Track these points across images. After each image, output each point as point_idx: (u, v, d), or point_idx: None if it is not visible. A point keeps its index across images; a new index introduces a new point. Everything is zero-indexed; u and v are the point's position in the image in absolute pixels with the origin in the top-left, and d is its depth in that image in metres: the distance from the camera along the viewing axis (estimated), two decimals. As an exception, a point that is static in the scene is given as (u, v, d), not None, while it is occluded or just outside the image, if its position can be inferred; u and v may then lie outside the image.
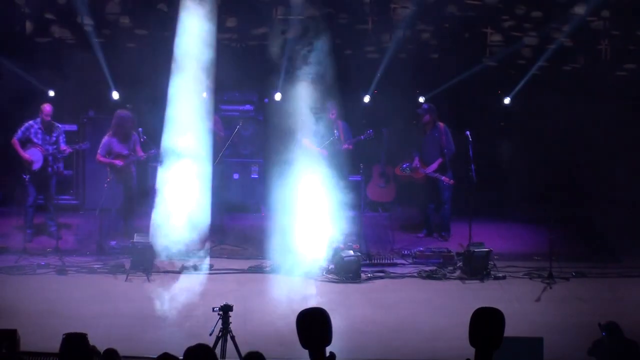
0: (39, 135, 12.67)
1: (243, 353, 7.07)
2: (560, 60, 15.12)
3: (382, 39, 15.02)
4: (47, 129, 12.69)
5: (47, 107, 12.67)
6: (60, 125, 12.88)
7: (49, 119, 12.65)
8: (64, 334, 5.98)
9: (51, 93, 14.04)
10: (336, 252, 11.86)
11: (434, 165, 13.26)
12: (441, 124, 13.38)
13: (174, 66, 11.81)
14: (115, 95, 14.01)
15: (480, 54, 15.15)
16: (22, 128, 12.67)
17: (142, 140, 12.66)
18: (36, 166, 12.60)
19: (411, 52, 15.20)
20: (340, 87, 14.24)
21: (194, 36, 11.80)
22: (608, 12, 14.84)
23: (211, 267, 11.89)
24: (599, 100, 14.21)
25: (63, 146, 12.75)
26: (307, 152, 12.87)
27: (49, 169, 12.67)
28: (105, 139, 12.69)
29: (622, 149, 14.46)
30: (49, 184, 12.79)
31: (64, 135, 12.89)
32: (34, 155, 12.61)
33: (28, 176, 12.44)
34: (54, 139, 12.73)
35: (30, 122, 12.70)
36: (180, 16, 12.01)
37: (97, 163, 12.88)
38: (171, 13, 14.43)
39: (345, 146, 13.08)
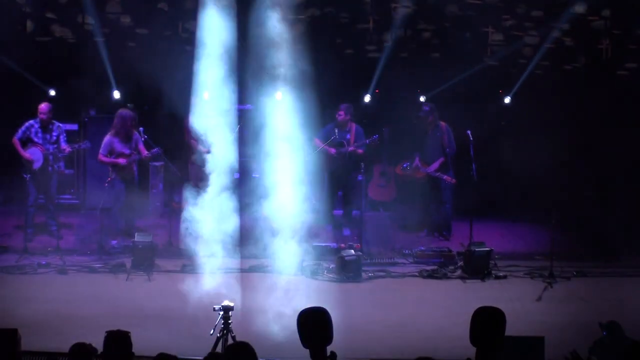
0: (39, 135, 12.67)
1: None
2: (561, 59, 15.13)
3: (383, 38, 15.01)
4: (45, 128, 12.67)
5: (43, 106, 12.65)
6: (61, 125, 12.87)
7: (45, 117, 12.61)
8: (106, 332, 5.98)
9: (52, 92, 14.04)
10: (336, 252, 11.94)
11: (436, 165, 13.26)
12: (443, 124, 13.40)
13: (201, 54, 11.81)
14: (116, 94, 14.02)
15: (481, 53, 15.16)
16: (23, 127, 12.66)
17: (143, 139, 12.66)
18: (36, 165, 12.59)
19: (412, 52, 15.20)
20: (341, 86, 14.27)
21: (217, 30, 11.83)
22: (609, 11, 14.85)
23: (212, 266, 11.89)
24: (600, 100, 14.20)
25: (64, 145, 12.74)
26: (316, 150, 12.93)
27: (50, 168, 12.66)
28: (107, 138, 12.68)
29: (622, 147, 14.44)
30: (49, 183, 12.79)
31: (64, 134, 12.88)
32: (34, 155, 12.60)
33: (29, 175, 12.44)
34: (54, 138, 12.72)
35: (31, 121, 12.69)
36: (202, 10, 12.04)
37: (99, 162, 12.87)
38: (171, 12, 14.48)
39: (351, 149, 13.07)
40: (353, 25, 15.27)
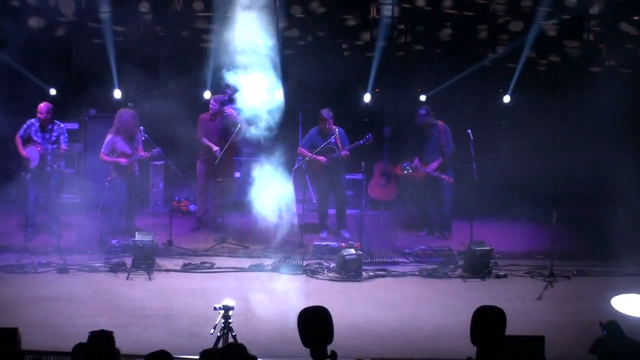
0: (39, 134, 12.65)
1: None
2: (559, 57, 15.19)
3: (382, 37, 15.01)
4: (44, 127, 12.65)
5: (42, 106, 12.61)
6: (63, 125, 12.82)
7: (43, 117, 12.57)
8: (89, 332, 5.98)
9: (52, 91, 14.02)
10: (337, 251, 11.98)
11: (435, 164, 13.25)
12: (440, 123, 13.37)
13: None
14: (117, 93, 14.00)
15: (481, 52, 15.17)
16: (24, 126, 12.65)
17: (143, 139, 12.66)
18: (33, 164, 12.57)
19: (412, 50, 15.21)
20: (342, 86, 14.27)
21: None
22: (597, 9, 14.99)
23: (212, 265, 11.90)
24: (600, 98, 14.19)
25: (64, 145, 12.72)
26: (304, 160, 12.90)
27: (48, 167, 12.65)
28: (109, 137, 12.66)
29: (622, 147, 14.42)
30: (48, 182, 12.77)
31: (66, 134, 12.83)
32: (31, 154, 12.58)
33: (28, 175, 12.43)
34: (54, 138, 12.69)
35: (32, 120, 12.68)
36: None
37: (100, 162, 12.85)
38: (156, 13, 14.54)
39: (344, 153, 12.99)
40: (353, 24, 15.29)
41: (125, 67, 14.06)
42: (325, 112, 12.91)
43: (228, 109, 13.02)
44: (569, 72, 15.09)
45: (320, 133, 13.01)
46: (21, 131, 12.63)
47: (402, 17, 15.11)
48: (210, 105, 13.15)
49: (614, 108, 13.93)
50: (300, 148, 13.13)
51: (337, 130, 13.01)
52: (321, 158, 12.93)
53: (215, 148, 13.02)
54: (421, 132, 13.38)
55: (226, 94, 13.02)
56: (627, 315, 10.28)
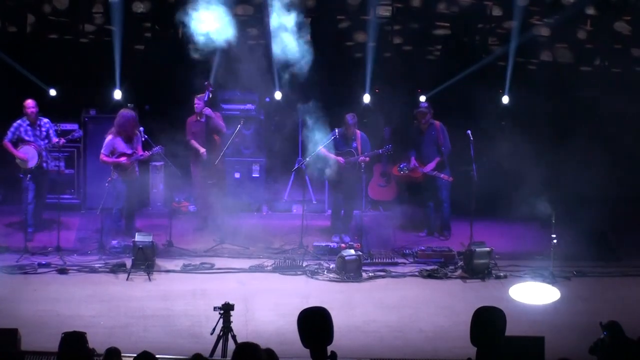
0: (30, 133, 12.62)
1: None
2: (559, 56, 15.22)
3: (382, 37, 15.01)
4: (34, 124, 12.63)
5: (29, 102, 12.55)
6: (47, 120, 12.78)
7: (35, 111, 12.55)
8: (62, 333, 5.98)
9: (52, 92, 14.02)
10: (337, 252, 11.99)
11: (432, 164, 13.24)
12: (437, 123, 13.37)
13: None
14: (117, 94, 13.99)
15: (481, 52, 15.16)
16: (12, 128, 12.60)
17: (143, 139, 12.64)
18: (32, 164, 12.54)
19: (412, 51, 15.20)
20: (341, 86, 14.27)
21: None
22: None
23: (212, 266, 11.90)
24: (599, 97, 14.20)
25: (55, 139, 12.69)
26: (324, 159, 12.89)
27: (44, 164, 12.65)
28: (109, 138, 12.62)
29: (623, 146, 14.44)
30: (45, 180, 12.78)
31: (54, 128, 12.83)
32: (27, 153, 12.55)
33: (29, 175, 12.42)
34: (44, 133, 12.68)
35: (18, 121, 12.62)
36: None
37: (101, 163, 12.81)
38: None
39: (362, 158, 12.95)
40: (354, 24, 15.31)
41: (126, 67, 14.05)
42: (350, 118, 12.92)
43: (207, 110, 12.90)
44: (566, 72, 15.12)
45: (343, 136, 12.97)
46: (9, 135, 12.57)
47: (399, 17, 15.13)
48: (195, 105, 13.05)
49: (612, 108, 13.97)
50: (321, 147, 13.07)
51: (359, 134, 13.01)
52: (339, 159, 12.94)
53: (202, 150, 12.98)
54: (419, 132, 13.39)
55: (205, 94, 12.95)
56: (525, 304, 10.56)
